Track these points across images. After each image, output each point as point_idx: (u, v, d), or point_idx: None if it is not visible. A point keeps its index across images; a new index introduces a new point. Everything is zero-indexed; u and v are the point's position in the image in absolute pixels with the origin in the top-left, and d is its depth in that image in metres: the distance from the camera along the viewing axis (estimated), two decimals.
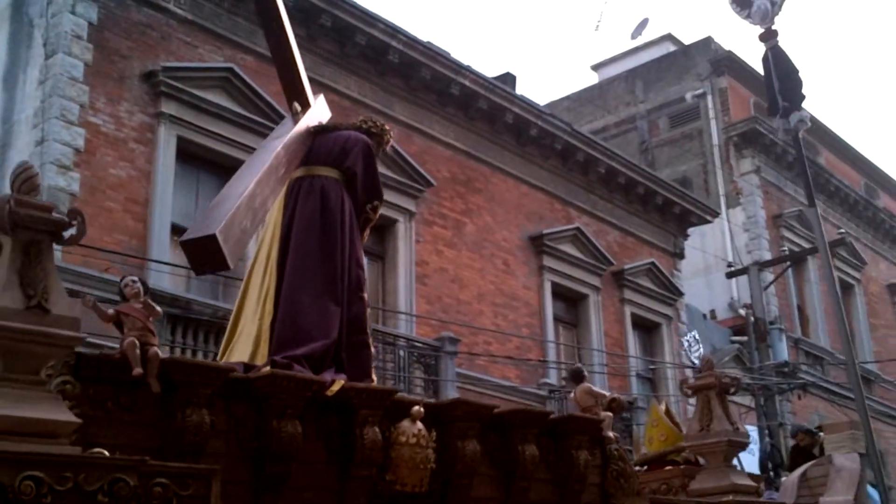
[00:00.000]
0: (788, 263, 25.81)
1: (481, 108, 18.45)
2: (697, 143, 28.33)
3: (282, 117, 13.41)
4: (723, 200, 27.17)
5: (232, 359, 5.54)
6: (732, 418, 6.98)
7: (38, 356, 3.31)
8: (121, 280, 4.66)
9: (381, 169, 16.35)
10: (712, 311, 26.26)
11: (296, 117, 6.18)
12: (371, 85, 16.72)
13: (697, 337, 21.83)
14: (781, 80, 12.05)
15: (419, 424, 4.94)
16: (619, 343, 20.87)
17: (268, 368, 4.91)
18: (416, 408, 4.98)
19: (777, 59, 12.07)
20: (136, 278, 4.88)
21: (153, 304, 4.86)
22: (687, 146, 28.39)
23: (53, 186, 12.21)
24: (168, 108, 13.57)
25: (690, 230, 24.28)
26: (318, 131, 6.28)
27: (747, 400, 22.99)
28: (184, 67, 13.95)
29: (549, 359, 18.74)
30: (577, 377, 9.00)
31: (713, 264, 26.29)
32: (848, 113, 78.35)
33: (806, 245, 28.05)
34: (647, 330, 22.33)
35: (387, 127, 6.81)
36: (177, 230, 13.63)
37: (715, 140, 28.00)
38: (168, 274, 13.07)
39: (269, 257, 5.91)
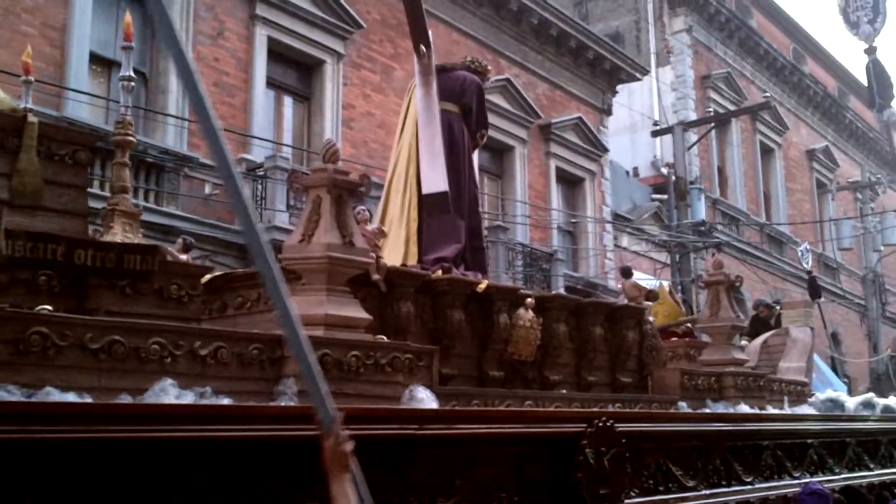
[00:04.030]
0: (712, 125, 26.08)
1: None
2: None
3: None
4: (653, 58, 27.12)
5: (384, 256, 6.87)
6: (735, 308, 8.50)
7: (345, 274, 4.86)
8: (353, 209, 5.73)
9: (309, 7, 15.95)
10: (635, 169, 26.55)
11: (422, 60, 7.10)
12: None
13: (808, 248, 23.83)
14: (878, 82, 16.79)
15: (531, 312, 6.46)
16: (542, 196, 21.06)
17: (440, 272, 6.45)
18: (529, 300, 6.51)
19: (875, 66, 17.19)
20: (365, 208, 6.16)
21: (383, 228, 6.45)
22: (621, 1, 28.09)
23: None
24: None
25: (619, 87, 24.28)
26: (439, 70, 7.41)
27: (663, 256, 23.56)
28: None
29: None
30: (626, 274, 11.21)
31: (639, 122, 26.43)
32: None
33: (731, 107, 28.32)
34: (570, 184, 22.54)
35: (489, 67, 8.20)
36: (95, 59, 13.19)
37: None
38: (86, 104, 12.70)
39: (408, 173, 7.17)
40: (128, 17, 5.49)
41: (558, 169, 21.72)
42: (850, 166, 36.62)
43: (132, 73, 5.21)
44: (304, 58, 16.26)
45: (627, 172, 25.61)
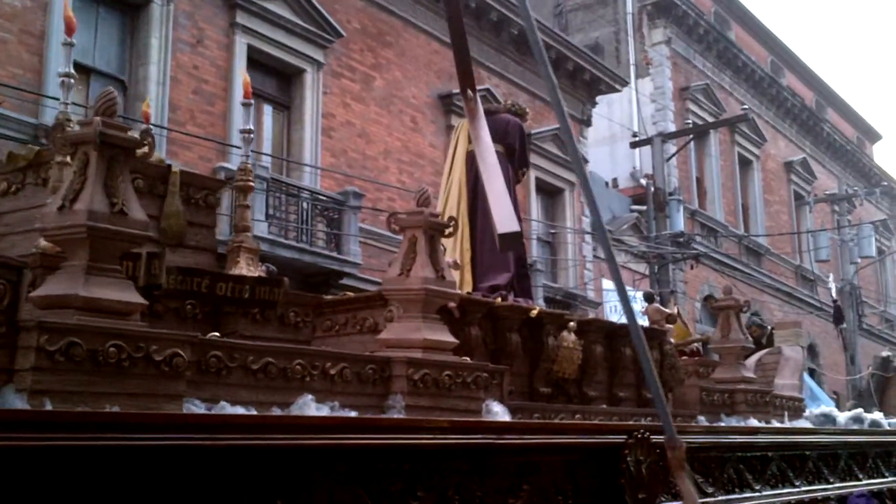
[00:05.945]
0: (691, 136, 26.20)
1: None
2: (611, 9, 28.18)
3: None
4: (632, 70, 27.24)
5: None
6: (744, 330, 9.12)
7: (438, 304, 5.45)
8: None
9: (289, 15, 15.94)
10: (614, 180, 26.65)
11: (469, 102, 7.50)
12: None
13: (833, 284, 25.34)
14: None
15: (573, 335, 7.22)
16: (521, 206, 21.04)
17: (500, 299, 7.28)
18: (572, 323, 7.29)
19: None
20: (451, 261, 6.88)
21: (457, 261, 7.39)
22: (601, 12, 28.22)
23: None
24: None
25: (599, 98, 24.36)
26: (485, 113, 7.89)
27: (642, 267, 23.62)
28: None
29: None
30: (650, 299, 12.90)
31: (618, 133, 26.53)
32: None
33: (710, 119, 28.47)
34: (549, 195, 22.58)
35: (528, 110, 9.01)
36: (75, 66, 13.10)
37: (629, 8, 27.89)
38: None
39: (459, 208, 8.00)
40: (246, 78, 6.35)
41: (538, 179, 21.76)
42: (827, 178, 36.86)
43: (251, 126, 5.90)
44: (283, 66, 16.23)
45: (607, 183, 25.69)
